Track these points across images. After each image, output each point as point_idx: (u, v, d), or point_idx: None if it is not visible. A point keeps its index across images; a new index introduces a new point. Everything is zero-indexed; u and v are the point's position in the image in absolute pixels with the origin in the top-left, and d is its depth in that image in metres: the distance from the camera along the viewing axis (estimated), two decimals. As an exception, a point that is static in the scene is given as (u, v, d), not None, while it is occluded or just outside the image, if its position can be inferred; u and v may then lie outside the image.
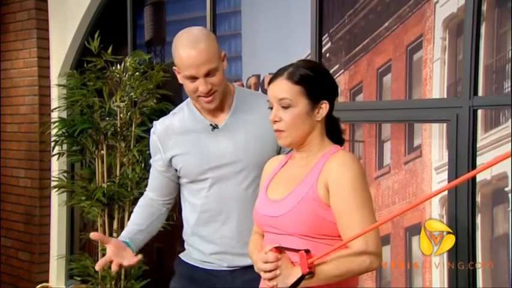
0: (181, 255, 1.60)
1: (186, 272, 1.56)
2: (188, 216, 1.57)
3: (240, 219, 1.49)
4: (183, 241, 1.63)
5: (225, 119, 1.51)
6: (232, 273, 1.49)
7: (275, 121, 1.27)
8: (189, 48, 1.42)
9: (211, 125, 1.51)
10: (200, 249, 1.54)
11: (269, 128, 1.32)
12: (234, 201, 1.49)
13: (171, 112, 1.60)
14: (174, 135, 1.54)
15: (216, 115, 1.52)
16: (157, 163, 1.58)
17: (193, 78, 1.44)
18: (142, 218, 1.57)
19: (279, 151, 1.50)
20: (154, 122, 1.60)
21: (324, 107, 1.27)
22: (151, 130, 1.59)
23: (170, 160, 1.54)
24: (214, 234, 1.51)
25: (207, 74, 1.43)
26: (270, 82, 1.29)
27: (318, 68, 1.30)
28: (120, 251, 1.42)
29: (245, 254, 1.42)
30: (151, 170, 1.62)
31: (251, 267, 1.31)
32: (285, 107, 1.25)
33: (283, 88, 1.25)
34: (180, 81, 1.50)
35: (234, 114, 1.51)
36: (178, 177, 1.58)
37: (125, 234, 1.52)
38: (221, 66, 1.46)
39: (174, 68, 1.51)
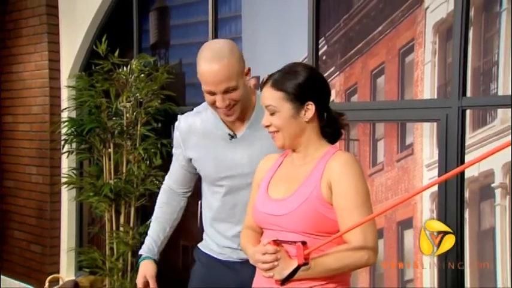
0: (200, 245, 1.67)
1: (204, 261, 1.64)
2: (206, 209, 1.63)
3: None
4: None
5: (244, 130, 1.51)
6: (241, 265, 1.54)
7: (267, 125, 1.30)
8: (210, 63, 1.38)
9: (229, 134, 1.52)
10: (216, 241, 1.61)
11: None
12: (246, 209, 1.53)
13: (195, 109, 1.60)
14: (195, 136, 1.56)
15: (236, 124, 1.52)
16: (178, 156, 1.62)
17: (212, 93, 1.42)
18: (164, 218, 1.66)
19: None
20: (179, 117, 1.60)
21: (311, 108, 1.27)
22: (176, 124, 1.60)
23: (190, 159, 1.59)
24: (227, 232, 1.58)
25: (226, 91, 1.41)
26: (261, 88, 1.32)
27: (301, 71, 1.28)
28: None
29: None
30: (173, 160, 1.65)
31: None
32: (272, 113, 1.28)
33: (267, 95, 1.29)
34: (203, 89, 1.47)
35: (252, 126, 1.50)
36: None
37: (152, 247, 1.63)
38: (242, 83, 1.42)
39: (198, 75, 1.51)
